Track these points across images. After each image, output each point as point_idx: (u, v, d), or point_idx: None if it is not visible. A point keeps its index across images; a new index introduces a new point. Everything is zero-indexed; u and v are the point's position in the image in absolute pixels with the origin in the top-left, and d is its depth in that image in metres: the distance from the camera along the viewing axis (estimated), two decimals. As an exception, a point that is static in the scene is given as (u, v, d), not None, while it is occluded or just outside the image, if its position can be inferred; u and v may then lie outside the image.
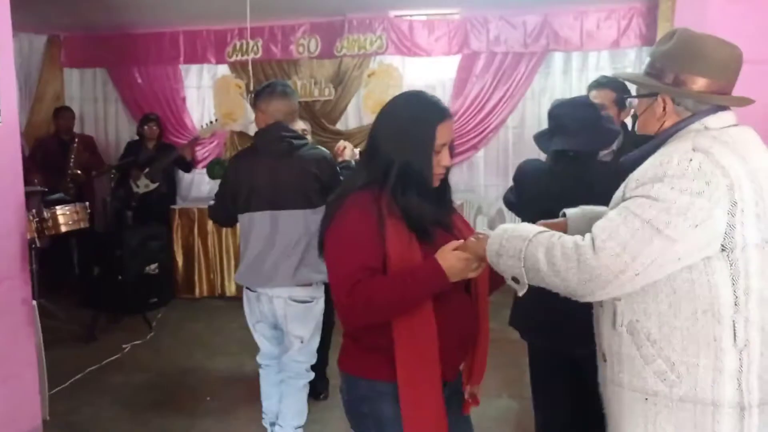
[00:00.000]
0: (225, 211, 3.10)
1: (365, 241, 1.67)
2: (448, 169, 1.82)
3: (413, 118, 1.74)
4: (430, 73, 6.39)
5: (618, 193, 1.56)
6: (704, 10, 4.71)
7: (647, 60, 1.64)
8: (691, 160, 1.41)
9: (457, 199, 5.98)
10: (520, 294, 1.56)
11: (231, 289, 5.94)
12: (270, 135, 2.96)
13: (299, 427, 3.14)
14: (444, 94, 6.34)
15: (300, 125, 3.56)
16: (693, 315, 1.45)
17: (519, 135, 6.40)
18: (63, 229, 4.39)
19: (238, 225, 3.14)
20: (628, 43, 5.88)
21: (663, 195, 1.40)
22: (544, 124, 2.57)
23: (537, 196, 2.42)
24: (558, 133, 2.42)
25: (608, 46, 5.97)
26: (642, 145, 1.64)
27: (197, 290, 6.05)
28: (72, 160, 6.12)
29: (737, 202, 1.41)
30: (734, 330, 1.45)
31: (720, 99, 1.54)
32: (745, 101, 1.57)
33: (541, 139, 2.54)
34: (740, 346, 1.45)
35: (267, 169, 2.93)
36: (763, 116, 4.61)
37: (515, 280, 1.55)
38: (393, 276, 1.65)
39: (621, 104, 2.89)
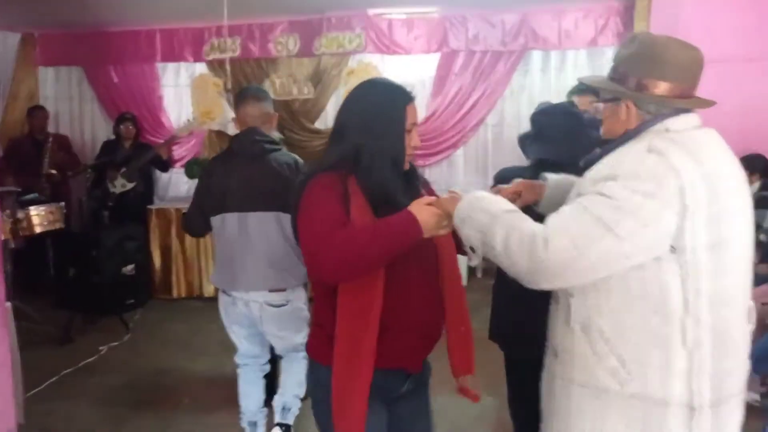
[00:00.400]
0: (200, 215, 3.03)
1: (334, 205, 1.69)
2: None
3: (383, 100, 1.78)
4: (410, 72, 6.39)
5: (574, 190, 1.60)
6: (679, 9, 4.77)
7: (611, 64, 1.65)
8: (644, 161, 1.44)
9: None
10: (471, 264, 1.62)
11: (209, 290, 5.88)
12: (244, 139, 2.96)
13: (299, 398, 3.20)
14: (423, 93, 6.35)
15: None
16: (645, 314, 1.47)
17: (498, 133, 6.43)
18: (38, 229, 4.34)
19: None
20: (606, 42, 5.93)
21: (616, 193, 1.42)
22: (524, 123, 2.56)
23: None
24: (539, 140, 2.42)
25: (586, 44, 6.02)
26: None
27: (175, 291, 5.98)
28: (46, 160, 6.04)
29: (688, 204, 1.41)
30: (683, 330, 1.46)
31: (681, 102, 1.56)
32: (706, 103, 1.59)
33: (524, 142, 2.53)
34: (690, 347, 1.47)
35: (241, 170, 2.91)
36: (738, 112, 4.68)
37: (472, 249, 1.59)
38: (368, 225, 1.65)
39: None
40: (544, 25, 6.01)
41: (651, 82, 1.54)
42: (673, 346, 1.47)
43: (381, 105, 1.77)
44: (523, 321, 2.18)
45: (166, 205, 6.27)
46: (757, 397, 3.49)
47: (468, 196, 1.62)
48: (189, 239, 5.88)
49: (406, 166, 1.82)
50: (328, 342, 1.74)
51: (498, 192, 1.85)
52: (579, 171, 2.36)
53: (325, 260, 1.62)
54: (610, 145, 1.61)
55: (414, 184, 1.88)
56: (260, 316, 2.98)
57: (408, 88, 1.83)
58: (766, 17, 4.57)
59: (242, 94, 3.07)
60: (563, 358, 1.60)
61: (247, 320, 3.05)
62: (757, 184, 4.36)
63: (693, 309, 1.46)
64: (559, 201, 1.73)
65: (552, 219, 1.48)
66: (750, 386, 3.48)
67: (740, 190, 1.55)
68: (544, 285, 1.49)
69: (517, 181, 1.94)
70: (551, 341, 1.68)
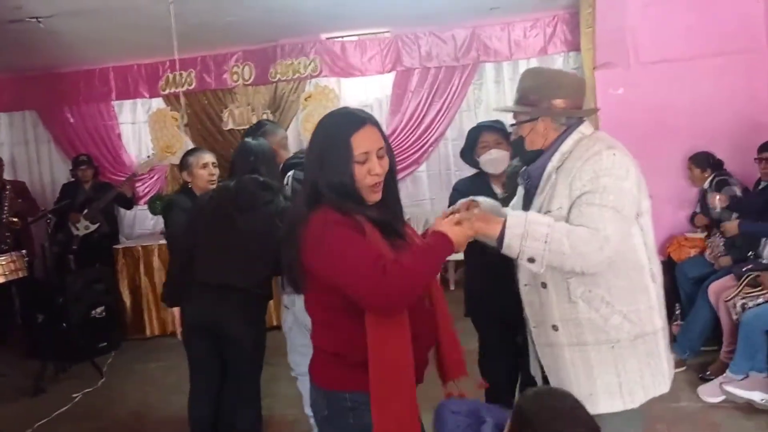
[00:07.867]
0: None
1: (363, 239, 1.66)
2: (393, 178, 1.83)
3: (327, 134, 1.76)
4: (366, 92, 6.46)
5: (562, 191, 1.93)
6: (623, 14, 4.91)
7: (517, 95, 2.08)
8: (614, 155, 1.90)
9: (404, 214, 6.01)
10: (539, 271, 1.86)
11: (183, 325, 5.80)
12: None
13: None
14: (381, 112, 6.41)
15: (208, 158, 3.54)
16: (627, 273, 1.94)
17: (459, 147, 6.36)
18: (0, 279, 4.24)
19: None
20: (555, 50, 6.08)
21: (608, 184, 1.86)
22: None
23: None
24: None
25: (536, 53, 6.15)
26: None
27: (148, 330, 5.89)
28: (6, 208, 5.90)
29: (638, 180, 1.91)
30: (652, 275, 1.98)
31: (581, 112, 2.06)
32: (594, 111, 2.18)
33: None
34: (657, 285, 1.99)
35: None
36: (688, 110, 4.79)
37: (530, 260, 1.84)
38: (415, 252, 1.69)
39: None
40: (494, 37, 6.14)
41: (557, 101, 2.01)
42: (650, 288, 1.97)
43: (325, 139, 1.75)
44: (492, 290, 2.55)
45: (132, 243, 6.18)
46: (765, 396, 3.50)
47: (511, 216, 1.88)
48: (158, 276, 5.79)
49: (373, 197, 1.77)
50: (353, 369, 1.74)
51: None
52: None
53: (384, 298, 1.62)
54: (547, 153, 2.02)
55: (396, 210, 1.85)
56: None
57: (361, 114, 1.77)
58: (707, 16, 4.72)
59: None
60: (568, 329, 1.98)
61: None
62: (710, 178, 4.48)
63: (651, 257, 1.98)
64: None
65: (588, 216, 1.84)
66: (756, 386, 3.51)
67: None
68: (605, 265, 1.85)
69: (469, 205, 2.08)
70: (545, 320, 2.02)
